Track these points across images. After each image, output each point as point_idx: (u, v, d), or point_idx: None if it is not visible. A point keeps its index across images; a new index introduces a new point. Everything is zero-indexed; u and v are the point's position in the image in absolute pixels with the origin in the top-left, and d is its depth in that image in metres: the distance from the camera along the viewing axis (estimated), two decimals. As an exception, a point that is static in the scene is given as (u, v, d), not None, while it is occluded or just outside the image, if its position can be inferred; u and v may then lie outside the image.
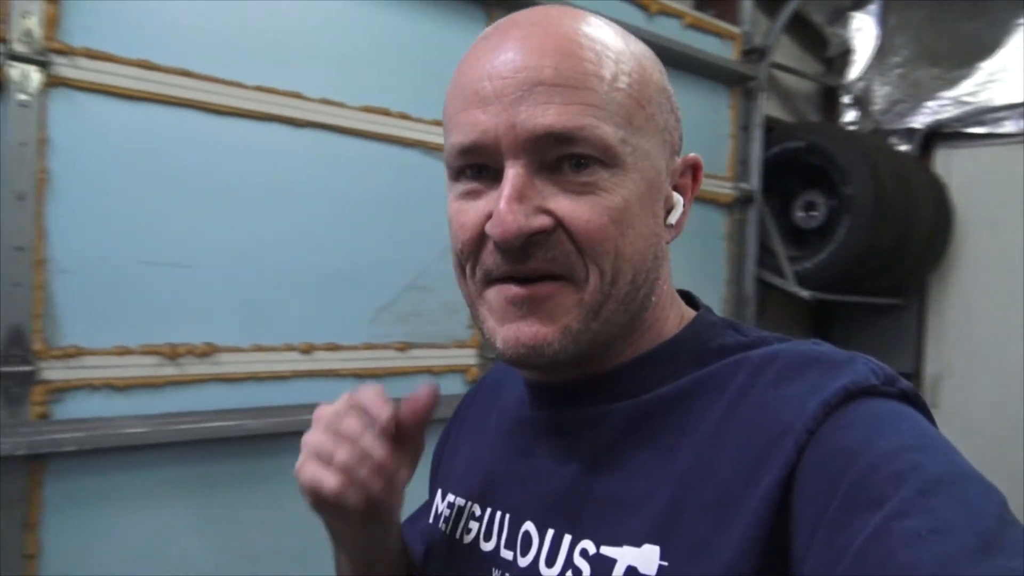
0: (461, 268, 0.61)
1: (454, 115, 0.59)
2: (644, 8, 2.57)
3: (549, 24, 0.57)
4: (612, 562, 0.54)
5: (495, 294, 0.58)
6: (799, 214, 3.16)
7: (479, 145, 0.56)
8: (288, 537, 1.75)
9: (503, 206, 0.54)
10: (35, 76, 1.54)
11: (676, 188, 0.63)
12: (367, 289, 1.96)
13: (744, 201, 2.93)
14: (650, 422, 0.58)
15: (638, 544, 0.53)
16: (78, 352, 1.59)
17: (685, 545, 0.52)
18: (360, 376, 1.91)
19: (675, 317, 0.65)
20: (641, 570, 0.52)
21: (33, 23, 1.53)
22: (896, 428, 0.49)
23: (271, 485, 1.78)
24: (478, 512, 0.67)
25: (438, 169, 2.11)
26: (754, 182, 2.94)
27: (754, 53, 2.94)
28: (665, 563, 0.52)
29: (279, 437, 1.75)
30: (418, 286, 2.10)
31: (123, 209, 1.63)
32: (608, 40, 0.58)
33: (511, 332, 0.57)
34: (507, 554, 0.62)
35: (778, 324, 3.49)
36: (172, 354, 1.69)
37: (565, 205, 0.55)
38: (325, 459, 0.61)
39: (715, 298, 2.85)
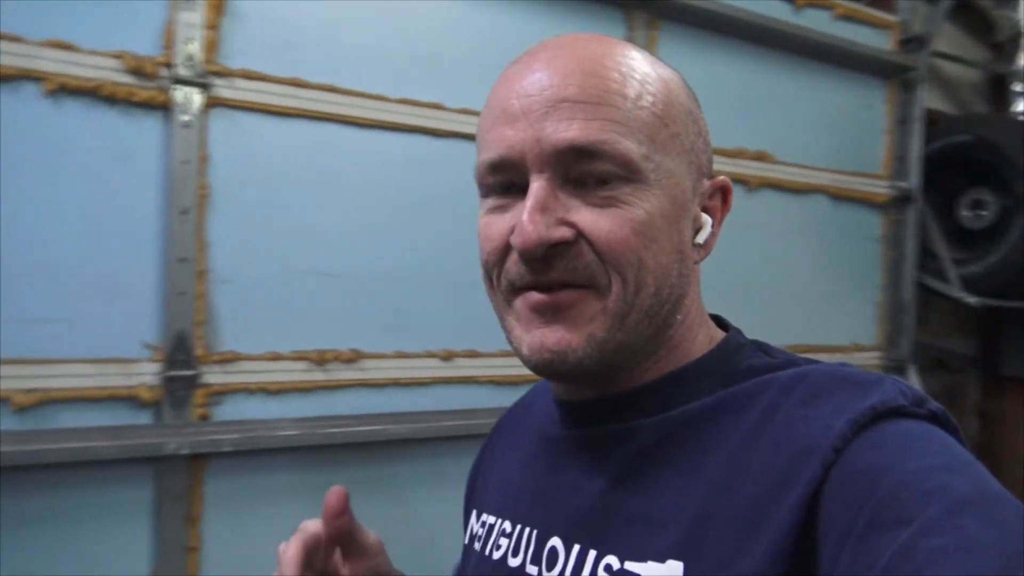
0: (489, 279, 0.63)
1: (485, 134, 0.62)
2: (791, 1, 2.46)
3: (576, 47, 0.60)
4: None
5: (520, 303, 0.60)
6: (964, 214, 2.93)
7: (506, 160, 0.59)
8: (420, 541, 1.78)
9: (525, 217, 0.56)
10: (197, 98, 1.64)
11: (705, 210, 0.64)
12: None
13: (901, 200, 2.75)
14: (676, 439, 0.59)
15: (662, 560, 0.54)
16: (235, 357, 1.68)
17: (709, 561, 0.52)
18: (498, 383, 1.91)
19: (704, 338, 0.66)
20: None
21: (195, 48, 1.63)
22: (925, 449, 0.48)
23: (406, 490, 1.82)
24: (508, 529, 0.68)
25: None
26: (913, 180, 2.75)
27: (913, 42, 2.75)
28: None
29: (416, 443, 1.79)
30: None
31: (276, 221, 1.71)
32: (634, 63, 0.60)
33: (536, 338, 0.59)
34: (532, 569, 0.63)
35: (941, 332, 3.25)
36: (320, 360, 1.76)
37: (587, 217, 0.57)
38: None
39: (868, 305, 2.68)
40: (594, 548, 0.59)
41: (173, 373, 1.60)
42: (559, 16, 2.08)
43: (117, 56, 1.57)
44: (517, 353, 0.61)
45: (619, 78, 0.58)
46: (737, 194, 2.38)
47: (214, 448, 1.61)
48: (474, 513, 0.77)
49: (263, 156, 1.70)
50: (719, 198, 0.66)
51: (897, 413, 0.52)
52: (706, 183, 0.65)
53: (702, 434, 0.58)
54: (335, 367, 1.77)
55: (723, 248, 2.25)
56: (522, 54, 0.63)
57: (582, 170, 0.57)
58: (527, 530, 0.66)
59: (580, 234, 0.57)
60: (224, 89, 1.67)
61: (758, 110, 2.45)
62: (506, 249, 0.60)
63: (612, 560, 0.57)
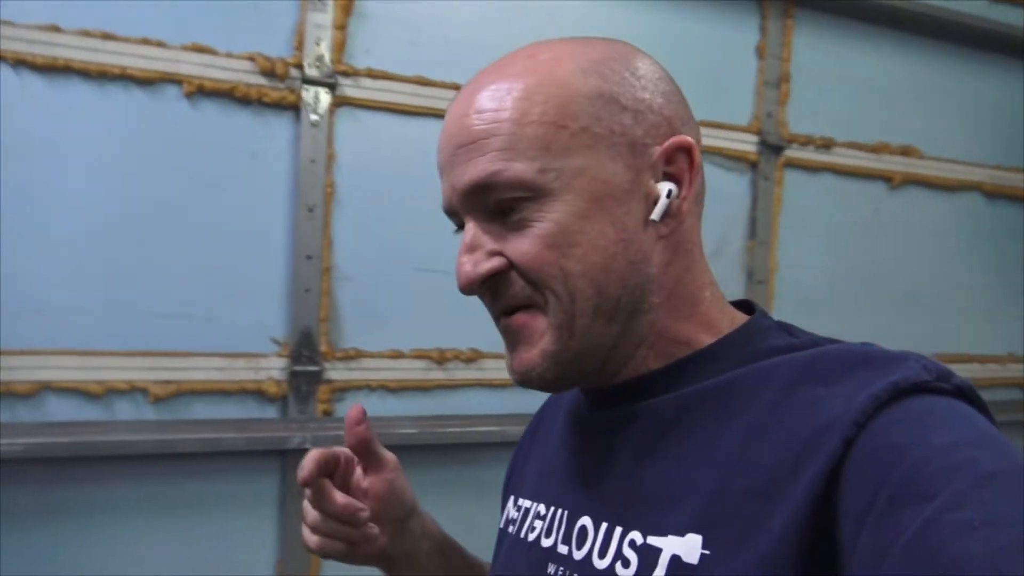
0: None
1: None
2: (941, -16, 2.29)
3: (472, 84, 0.62)
4: (658, 551, 0.55)
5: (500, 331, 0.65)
6: None
7: (447, 209, 0.64)
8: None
9: (458, 260, 0.61)
10: (324, 97, 1.66)
11: (669, 176, 0.61)
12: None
13: (1067, 198, 2.51)
14: (693, 414, 0.59)
15: (682, 533, 0.54)
16: (357, 354, 1.70)
17: (727, 534, 0.52)
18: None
19: (725, 319, 0.65)
20: (684, 559, 0.53)
21: (324, 48, 1.66)
22: (950, 424, 0.48)
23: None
24: (542, 511, 0.70)
25: (722, 178, 2.03)
26: (1080, 176, 2.50)
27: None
28: (707, 552, 0.52)
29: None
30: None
31: (399, 219, 1.71)
32: (523, 79, 0.60)
33: (509, 361, 0.64)
34: (563, 549, 0.65)
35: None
36: (440, 359, 1.75)
37: (511, 244, 0.60)
38: (319, 531, 0.75)
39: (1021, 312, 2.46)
40: (620, 525, 0.60)
41: (298, 368, 1.63)
42: (692, 7, 2.00)
43: (250, 58, 1.61)
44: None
45: (499, 105, 0.59)
46: (878, 192, 2.25)
47: (336, 444, 1.62)
48: (511, 499, 0.79)
49: (387, 154, 1.71)
50: (685, 159, 0.62)
51: (921, 389, 0.50)
52: (656, 151, 0.61)
53: (720, 409, 0.58)
54: (455, 366, 1.77)
55: (859, 250, 2.11)
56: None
57: (489, 203, 0.60)
58: (559, 511, 0.68)
59: (510, 261, 0.60)
60: (350, 88, 1.69)
61: (902, 101, 2.29)
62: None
63: (636, 535, 0.58)
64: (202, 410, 1.57)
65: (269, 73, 1.62)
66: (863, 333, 2.17)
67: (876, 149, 2.25)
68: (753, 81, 2.11)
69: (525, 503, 0.74)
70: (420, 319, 1.74)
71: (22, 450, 1.41)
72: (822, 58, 2.18)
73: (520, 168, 0.57)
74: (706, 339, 0.63)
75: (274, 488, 1.63)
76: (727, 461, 0.55)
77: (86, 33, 1.49)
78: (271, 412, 1.63)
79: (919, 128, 2.30)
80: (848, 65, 2.21)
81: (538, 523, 0.70)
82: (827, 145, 2.18)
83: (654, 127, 0.61)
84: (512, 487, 0.82)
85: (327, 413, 1.67)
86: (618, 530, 0.60)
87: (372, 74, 1.71)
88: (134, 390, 1.52)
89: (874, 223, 2.26)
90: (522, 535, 0.72)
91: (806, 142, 2.16)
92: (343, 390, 1.69)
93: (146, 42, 1.53)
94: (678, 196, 0.61)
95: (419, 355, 1.74)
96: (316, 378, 1.65)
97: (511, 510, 0.77)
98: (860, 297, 2.23)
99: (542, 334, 0.60)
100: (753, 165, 2.10)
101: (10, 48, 1.44)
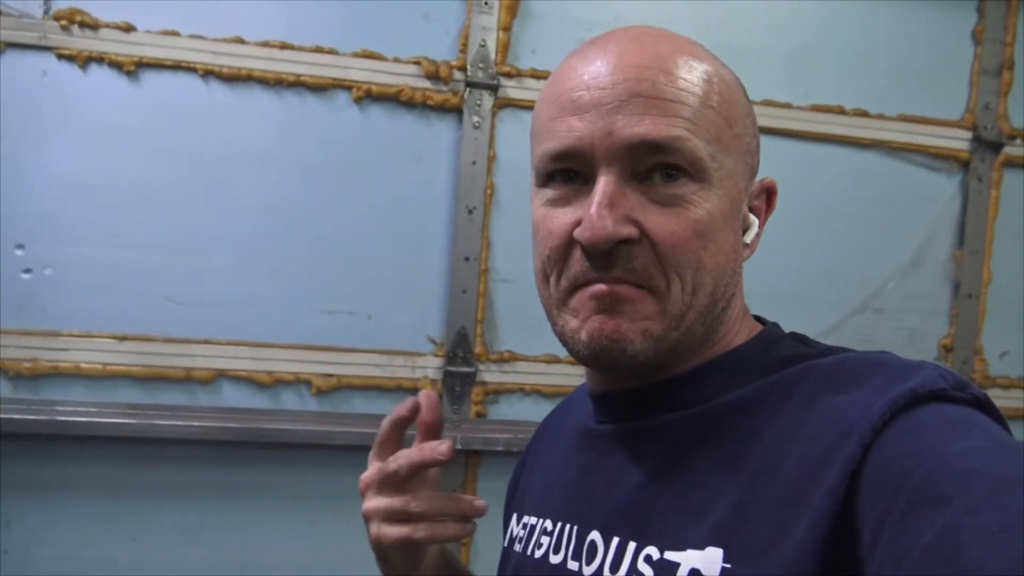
0: (545, 275, 0.62)
1: (547, 122, 0.60)
2: None
3: (647, 42, 0.60)
4: (675, 566, 0.54)
5: (579, 297, 0.59)
6: None
7: (573, 150, 0.58)
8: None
9: (594, 211, 0.56)
10: (487, 99, 1.66)
11: (752, 210, 0.64)
12: (808, 310, 1.76)
13: None
14: (715, 429, 0.58)
15: (701, 547, 0.53)
16: (512, 357, 1.68)
17: (749, 547, 0.51)
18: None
19: (744, 330, 0.65)
20: (704, 573, 0.52)
21: (488, 50, 1.66)
22: (967, 431, 0.47)
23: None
24: (549, 527, 0.68)
25: (903, 172, 1.83)
26: None
27: None
28: (728, 565, 0.52)
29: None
30: (872, 308, 1.82)
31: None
32: (701, 61, 0.60)
33: (595, 324, 0.58)
34: (573, 565, 0.63)
35: None
36: (597, 366, 1.70)
37: (652, 217, 0.57)
38: (402, 516, 0.70)
39: None
40: (634, 540, 0.59)
41: (453, 369, 1.64)
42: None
43: (416, 62, 1.64)
44: (571, 344, 0.60)
45: (689, 75, 0.58)
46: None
47: (487, 446, 1.62)
48: (514, 517, 0.77)
49: (548, 155, 1.68)
50: (764, 199, 0.66)
51: (938, 397, 0.50)
52: (755, 183, 0.65)
53: (741, 424, 0.57)
54: (612, 374, 1.70)
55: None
56: (586, 44, 0.62)
57: (651, 164, 0.57)
58: (568, 527, 0.66)
59: (644, 233, 0.57)
60: (512, 89, 1.68)
61: None
62: (569, 245, 0.59)
63: (652, 551, 0.57)
64: (360, 404, 1.62)
65: (434, 76, 1.64)
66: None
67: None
68: (968, 69, 1.87)
69: (530, 520, 0.72)
70: (577, 324, 1.69)
71: (199, 432, 1.53)
72: (1055, 41, 1.89)
73: (699, 146, 0.57)
74: (732, 347, 0.64)
75: (426, 486, 1.65)
76: (749, 475, 0.54)
77: (266, 44, 1.58)
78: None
79: None
80: (1091, 47, 1.90)
81: (545, 539, 0.68)
82: (1061, 141, 1.89)
83: (758, 161, 0.65)
84: (515, 505, 0.80)
85: (480, 415, 1.66)
86: (632, 545, 0.59)
87: (536, 74, 1.69)
88: (299, 382, 1.60)
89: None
90: (528, 552, 0.70)
91: (1033, 137, 1.88)
92: (497, 392, 1.68)
93: (319, 50, 1.60)
94: (757, 229, 0.65)
95: (575, 361, 1.69)
96: (470, 379, 1.66)
97: (515, 528, 0.75)
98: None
99: (648, 315, 0.58)
100: (964, 164, 1.85)
101: (201, 60, 1.56)
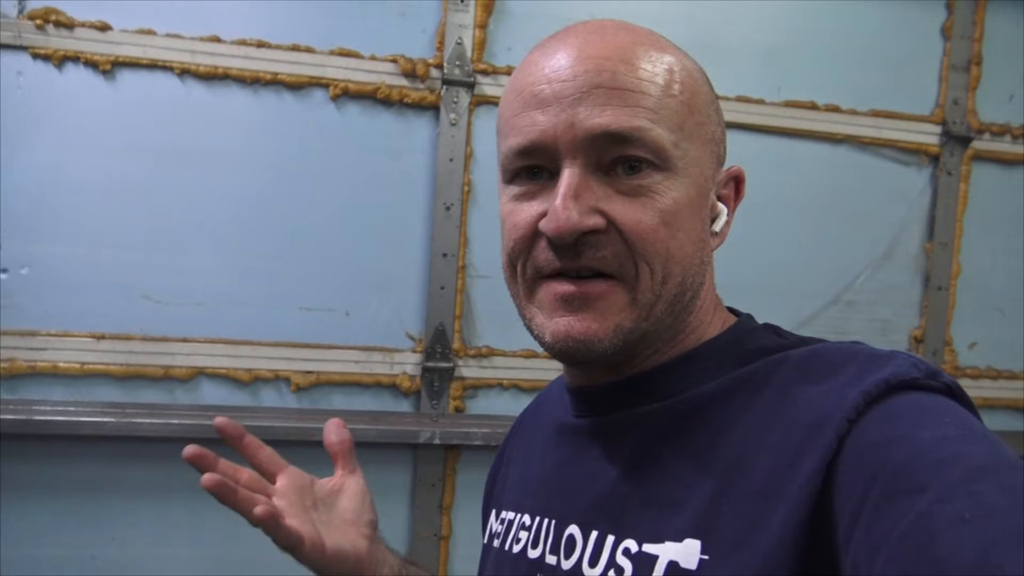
0: (512, 267, 0.62)
1: (511, 118, 0.60)
2: None
3: (606, 34, 0.60)
4: (654, 559, 0.55)
5: (545, 291, 0.59)
6: None
7: (537, 144, 0.58)
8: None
9: (559, 203, 0.56)
10: (464, 97, 1.68)
11: (720, 198, 0.64)
12: (782, 302, 1.78)
13: None
14: (690, 421, 0.59)
15: (679, 539, 0.54)
16: (490, 353, 1.70)
17: (726, 538, 0.52)
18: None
19: (717, 321, 0.65)
20: (682, 564, 0.53)
21: (464, 48, 1.67)
22: (940, 420, 0.48)
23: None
24: (528, 522, 0.69)
25: (874, 166, 1.86)
26: None
27: None
28: (706, 556, 0.52)
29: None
30: (845, 300, 1.85)
31: (534, 217, 1.70)
32: (662, 51, 0.60)
33: (561, 326, 0.58)
34: (551, 559, 0.63)
35: None
36: (574, 360, 1.72)
37: (618, 207, 0.57)
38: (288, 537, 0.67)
39: None
40: (612, 533, 0.59)
41: (431, 364, 1.66)
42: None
43: (393, 60, 1.65)
44: (539, 340, 0.61)
45: (649, 66, 0.58)
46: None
47: (465, 440, 1.64)
48: (493, 513, 0.77)
49: (524, 152, 1.69)
50: (732, 187, 0.66)
51: (910, 386, 0.51)
52: (722, 172, 0.65)
53: (715, 415, 0.58)
54: (589, 368, 1.72)
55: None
56: (548, 38, 0.62)
57: (614, 156, 0.57)
58: (546, 521, 0.66)
59: (611, 223, 0.57)
60: (489, 86, 1.69)
61: None
62: (534, 236, 0.59)
63: (630, 544, 0.57)
64: (340, 400, 1.64)
65: (410, 74, 1.65)
66: (1066, 349, 1.91)
67: (1090, 139, 1.95)
68: (937, 65, 1.90)
69: (508, 515, 0.72)
70: (555, 319, 1.71)
71: (178, 429, 1.53)
72: (1022, 36, 1.92)
73: (663, 134, 0.57)
74: (706, 338, 0.64)
75: (405, 480, 1.67)
76: (725, 467, 0.55)
77: (243, 42, 1.59)
78: (405, 406, 1.67)
79: None
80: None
81: (523, 534, 0.68)
82: (1028, 135, 1.92)
83: (724, 150, 0.66)
84: (493, 501, 0.80)
85: (459, 409, 1.68)
86: (610, 538, 0.59)
87: (512, 72, 1.70)
88: (278, 379, 1.61)
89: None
90: (507, 548, 0.70)
91: (1001, 132, 1.91)
92: (475, 387, 1.70)
93: (296, 48, 1.61)
94: (726, 218, 0.65)
95: (553, 356, 1.71)
96: (449, 374, 1.67)
97: (494, 524, 0.75)
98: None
99: (620, 309, 0.58)
100: (934, 159, 1.89)
101: (178, 59, 1.56)
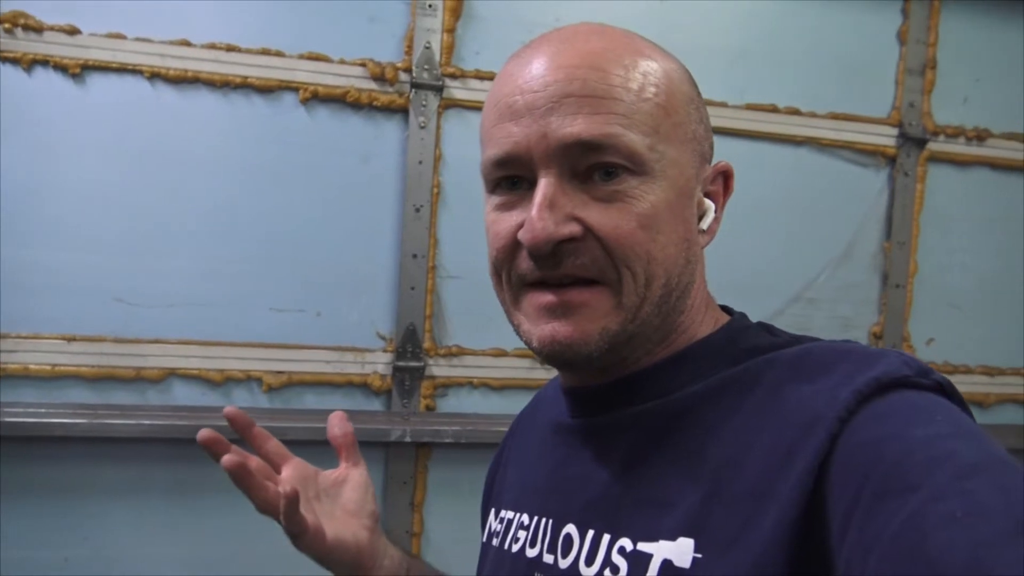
0: (497, 275, 0.63)
1: (489, 129, 0.61)
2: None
3: (578, 41, 0.60)
4: (648, 557, 0.55)
5: (529, 301, 0.60)
6: None
7: (512, 156, 0.59)
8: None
9: (534, 213, 0.57)
10: (432, 100, 1.70)
11: (707, 195, 0.65)
12: (749, 300, 1.81)
13: None
14: (683, 420, 0.59)
15: (673, 538, 0.54)
16: (460, 352, 1.72)
17: (719, 536, 0.52)
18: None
19: (709, 320, 0.66)
20: (676, 563, 0.53)
21: (433, 52, 1.70)
22: (931, 418, 0.48)
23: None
24: (526, 521, 0.69)
25: (833, 168, 1.91)
26: None
27: None
28: (699, 555, 0.53)
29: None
30: (806, 298, 1.90)
31: (503, 219, 1.73)
32: (636, 55, 0.60)
33: (547, 332, 0.59)
34: (548, 558, 0.64)
35: None
36: (543, 358, 1.75)
37: (595, 213, 0.57)
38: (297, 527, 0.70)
39: None
40: (608, 532, 0.59)
41: (402, 364, 1.68)
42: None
43: (362, 64, 1.67)
44: (528, 345, 0.62)
45: (622, 71, 0.58)
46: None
47: (436, 438, 1.66)
48: (492, 512, 0.77)
49: (493, 154, 1.72)
50: (721, 183, 0.66)
51: (901, 384, 0.51)
52: (708, 168, 0.65)
53: (708, 414, 0.58)
54: (558, 366, 1.75)
55: (1018, 252, 1.90)
56: (523, 48, 0.64)
57: (589, 164, 0.57)
58: (543, 520, 0.67)
59: (588, 230, 0.57)
60: (457, 90, 1.72)
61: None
62: (515, 246, 0.60)
63: (625, 542, 0.58)
64: (311, 400, 1.66)
65: (379, 78, 1.68)
66: (1016, 343, 1.97)
67: (1038, 140, 2.02)
68: (894, 69, 1.96)
69: (507, 514, 0.73)
70: (524, 318, 1.74)
71: (150, 430, 1.55)
72: (976, 41, 1.99)
73: (635, 139, 0.57)
74: (698, 337, 0.65)
75: (377, 479, 1.68)
76: (719, 466, 0.55)
77: (212, 46, 1.60)
78: (376, 405, 1.69)
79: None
80: (1008, 47, 2.01)
81: (522, 533, 0.69)
82: (981, 137, 1.99)
83: (710, 146, 0.66)
84: (492, 500, 0.81)
85: (430, 408, 1.71)
86: (606, 537, 0.59)
87: (480, 75, 1.73)
88: (250, 379, 1.63)
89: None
90: (505, 547, 0.71)
91: (955, 134, 1.98)
92: (446, 386, 1.72)
93: (265, 52, 1.63)
94: (714, 216, 0.65)
95: (522, 354, 1.74)
96: (419, 373, 1.70)
97: (493, 523, 0.76)
98: (1016, 304, 2.01)
99: (606, 313, 0.59)
100: (891, 160, 1.94)
101: (147, 63, 1.57)
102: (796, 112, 1.89)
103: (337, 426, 0.78)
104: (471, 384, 1.73)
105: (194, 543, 1.61)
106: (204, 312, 1.61)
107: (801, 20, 1.89)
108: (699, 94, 0.65)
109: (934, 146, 1.96)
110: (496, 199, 0.62)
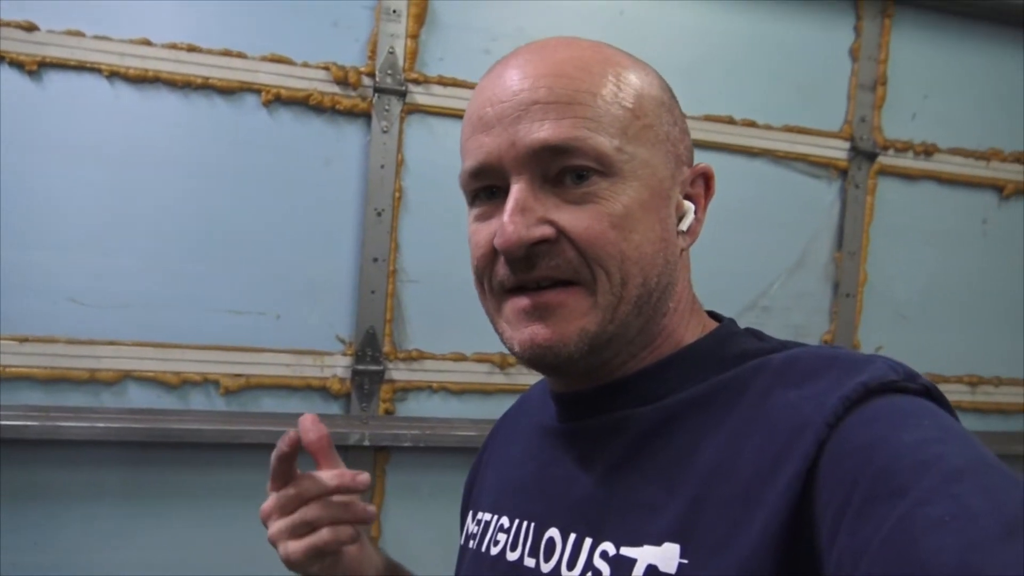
0: (480, 284, 0.65)
1: (465, 143, 0.63)
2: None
3: (546, 52, 0.62)
4: (632, 562, 0.55)
5: (509, 307, 0.62)
6: None
7: (485, 166, 0.60)
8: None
9: (506, 218, 0.58)
10: (395, 105, 1.71)
11: (688, 197, 0.65)
12: (706, 307, 1.86)
13: None
14: (671, 425, 0.59)
15: (658, 543, 0.54)
16: (420, 356, 1.73)
17: (706, 542, 0.52)
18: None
19: (697, 325, 0.66)
20: (661, 568, 0.53)
21: (396, 57, 1.71)
22: (918, 422, 0.49)
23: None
24: (506, 524, 0.69)
25: (788, 179, 1.96)
26: None
27: None
28: (685, 561, 0.53)
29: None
30: (760, 307, 1.95)
31: (464, 224, 1.73)
32: (603, 62, 0.62)
33: (526, 335, 0.60)
34: (530, 561, 0.64)
35: None
36: (502, 363, 1.76)
37: (567, 215, 0.58)
38: (306, 529, 0.69)
39: None
40: (590, 536, 0.59)
41: (361, 367, 1.68)
42: (782, 8, 1.93)
43: (325, 67, 1.68)
44: (511, 351, 0.63)
45: (588, 77, 0.60)
46: (988, 202, 2.10)
47: (395, 442, 1.67)
48: (470, 514, 0.77)
49: (455, 159, 1.71)
50: (702, 184, 0.67)
51: (889, 388, 0.52)
52: (686, 171, 0.65)
53: (696, 420, 0.58)
54: (517, 370, 1.77)
55: (963, 263, 1.98)
56: (496, 62, 0.65)
57: (559, 168, 0.59)
58: (525, 523, 0.67)
59: (561, 232, 0.58)
60: (420, 95, 1.73)
61: (1018, 104, 2.12)
62: (493, 253, 0.61)
63: (608, 546, 0.57)
64: (269, 404, 1.65)
65: (342, 82, 1.68)
66: (960, 351, 2.04)
67: (986, 156, 2.09)
68: (846, 84, 2.01)
69: (485, 516, 0.73)
70: (484, 323, 1.74)
71: (104, 433, 1.52)
72: (925, 59, 2.05)
73: (603, 140, 0.58)
74: (685, 342, 0.65)
75: (335, 482, 1.68)
76: (706, 471, 0.55)
77: (173, 46, 1.59)
78: (335, 408, 1.69)
79: (1037, 133, 2.13)
80: (955, 65, 2.08)
81: (501, 536, 0.69)
82: (928, 152, 2.05)
83: (686, 149, 0.66)
84: (471, 504, 0.81)
85: (389, 412, 1.71)
86: (588, 541, 0.59)
87: (443, 81, 1.74)
88: (207, 382, 1.61)
89: (981, 235, 2.10)
90: (484, 549, 0.70)
91: (904, 148, 2.04)
92: (405, 390, 1.73)
93: (227, 53, 1.62)
94: (695, 217, 0.66)
95: (482, 359, 1.76)
96: (379, 377, 1.70)
97: (471, 525, 0.75)
98: (961, 314, 2.08)
99: (583, 313, 0.59)
100: (843, 172, 2.00)
101: (106, 61, 1.56)
102: (753, 124, 1.93)
103: (311, 431, 0.73)
104: (431, 388, 1.74)
105: (148, 548, 1.58)
106: (161, 313, 1.59)
107: (758, 36, 1.94)
108: (673, 98, 0.66)
109: (884, 160, 2.02)
110: (476, 210, 0.64)
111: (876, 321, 2.02)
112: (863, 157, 2.00)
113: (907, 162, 2.04)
